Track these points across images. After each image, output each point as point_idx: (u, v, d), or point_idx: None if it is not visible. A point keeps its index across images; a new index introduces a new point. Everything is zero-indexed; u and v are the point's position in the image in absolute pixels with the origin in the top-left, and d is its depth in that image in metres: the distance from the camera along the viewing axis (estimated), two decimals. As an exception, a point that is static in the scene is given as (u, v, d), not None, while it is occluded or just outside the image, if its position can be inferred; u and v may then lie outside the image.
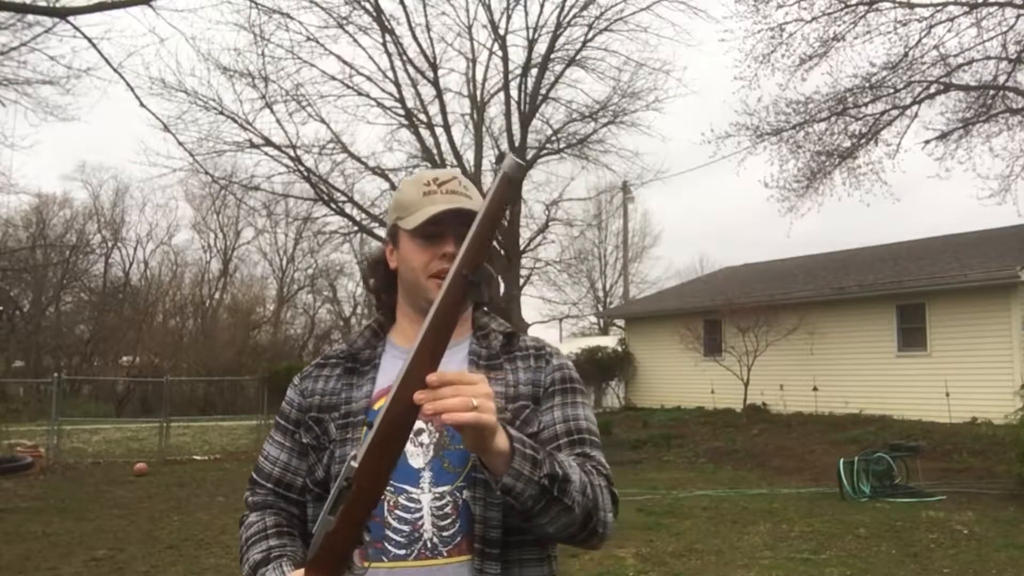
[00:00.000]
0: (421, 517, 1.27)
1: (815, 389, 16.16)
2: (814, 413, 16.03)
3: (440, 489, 1.28)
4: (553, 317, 30.84)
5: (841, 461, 9.79)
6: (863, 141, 15.40)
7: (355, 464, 1.06)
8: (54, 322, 29.64)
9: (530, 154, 16.50)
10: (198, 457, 14.43)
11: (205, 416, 20.25)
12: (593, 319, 35.67)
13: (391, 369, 1.37)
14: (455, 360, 1.38)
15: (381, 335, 1.47)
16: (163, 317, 33.55)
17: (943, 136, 14.83)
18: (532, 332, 17.07)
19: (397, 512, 1.28)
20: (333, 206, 16.14)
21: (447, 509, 1.27)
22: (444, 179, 1.38)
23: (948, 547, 7.00)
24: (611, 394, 22.71)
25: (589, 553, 6.77)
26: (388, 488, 1.25)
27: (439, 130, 16.16)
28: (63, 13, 9.43)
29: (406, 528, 1.27)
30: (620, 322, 25.21)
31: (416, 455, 1.30)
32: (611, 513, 1.28)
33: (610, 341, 23.96)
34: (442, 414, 1.02)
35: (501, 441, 1.11)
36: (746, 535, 7.59)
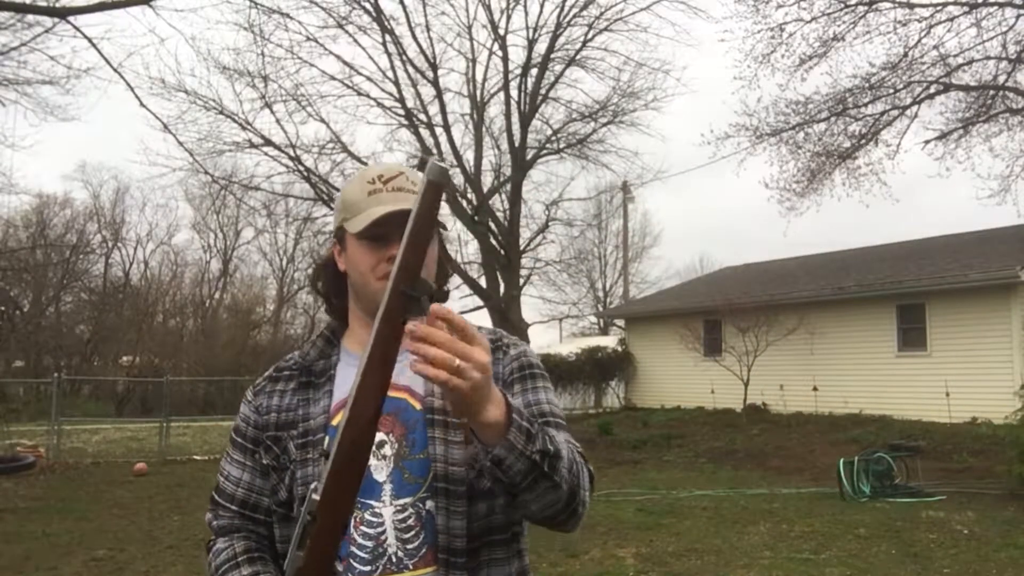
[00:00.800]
0: (384, 531, 1.22)
1: (815, 389, 16.16)
2: (814, 413, 16.03)
3: (402, 501, 1.23)
4: (553, 317, 30.89)
5: (841, 461, 9.79)
6: (863, 141, 15.41)
7: (316, 497, 1.02)
8: (54, 322, 29.65)
9: (530, 154, 16.53)
10: (198, 457, 14.42)
11: (205, 416, 20.25)
12: (593, 319, 35.70)
13: (347, 379, 1.29)
14: (401, 364, 1.33)
15: (335, 342, 1.41)
16: (163, 317, 33.56)
17: (943, 136, 14.84)
18: (532, 332, 17.08)
19: (362, 528, 1.23)
20: (333, 206, 16.12)
21: (410, 521, 1.23)
22: (390, 176, 1.30)
23: (948, 547, 7.00)
24: (611, 394, 22.71)
25: (589, 553, 6.78)
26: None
27: (439, 130, 16.19)
28: (63, 13, 9.45)
29: (370, 544, 1.22)
30: (620, 322, 25.21)
31: (379, 468, 1.25)
32: (588, 492, 1.24)
33: (610, 341, 23.97)
34: (420, 366, 0.97)
35: (495, 411, 1.06)
36: (746, 535, 7.59)
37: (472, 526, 1.22)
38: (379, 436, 1.25)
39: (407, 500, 1.24)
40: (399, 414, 1.28)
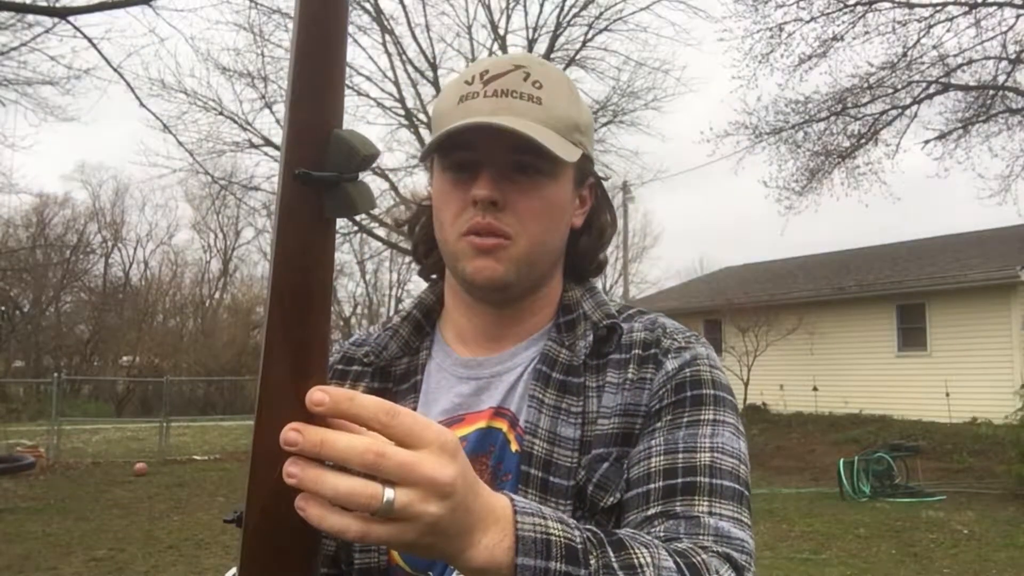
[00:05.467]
0: None
1: (815, 389, 16.16)
2: (814, 413, 16.03)
3: None
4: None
5: (841, 461, 9.79)
6: (862, 141, 15.41)
7: None
8: (54, 322, 29.65)
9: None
10: (198, 457, 14.41)
11: (205, 416, 20.25)
12: (593, 319, 35.67)
13: (442, 389, 0.90)
14: (514, 372, 0.88)
15: (427, 329, 0.95)
16: (163, 317, 33.58)
17: (942, 136, 14.84)
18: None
19: None
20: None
21: None
22: (497, 72, 0.85)
23: (948, 547, 7.01)
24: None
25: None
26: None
27: (439, 130, 16.16)
28: (63, 13, 9.44)
29: None
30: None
31: None
32: None
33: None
34: (312, 509, 0.52)
35: (476, 550, 0.56)
36: (746, 535, 7.59)
37: None
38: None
39: None
40: (492, 453, 0.85)
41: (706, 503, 0.75)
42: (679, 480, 0.76)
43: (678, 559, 0.65)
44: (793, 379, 16.76)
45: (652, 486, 0.77)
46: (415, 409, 0.88)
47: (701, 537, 0.72)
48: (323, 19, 0.54)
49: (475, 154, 0.83)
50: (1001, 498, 9.20)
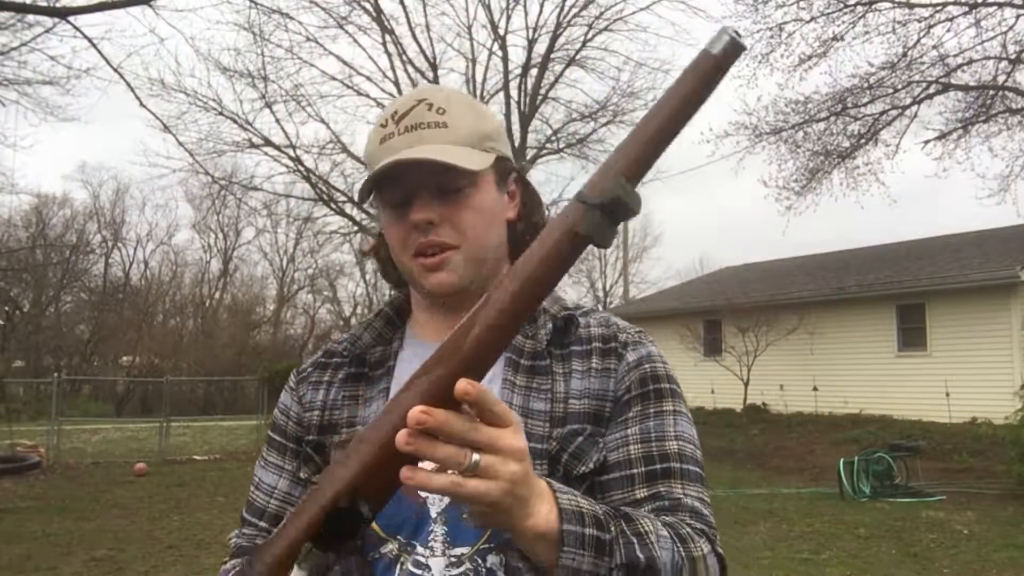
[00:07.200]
0: None
1: (815, 389, 16.16)
2: (814, 413, 16.03)
3: (457, 551, 0.90)
4: (553, 317, 30.76)
5: (841, 461, 9.79)
6: (862, 141, 15.43)
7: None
8: (54, 322, 29.65)
9: (530, 154, 16.54)
10: (198, 457, 14.41)
11: (205, 416, 20.25)
12: (593, 319, 35.64)
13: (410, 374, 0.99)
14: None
15: (397, 324, 1.07)
16: (163, 317, 33.58)
17: (942, 136, 14.86)
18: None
19: None
20: (333, 206, 16.16)
21: None
22: (405, 109, 0.96)
23: (948, 547, 7.01)
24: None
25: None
26: (397, 541, 0.92)
27: (439, 130, 16.16)
28: (63, 13, 9.44)
29: None
30: (620, 322, 25.19)
31: (432, 501, 0.92)
32: None
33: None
34: (420, 476, 0.67)
35: (541, 515, 0.73)
36: (746, 535, 7.58)
37: None
38: None
39: (463, 551, 0.91)
40: None
41: (680, 486, 0.93)
42: (658, 466, 0.93)
43: (669, 529, 0.84)
44: (793, 379, 16.76)
45: (635, 471, 0.93)
46: (388, 391, 1.00)
47: (681, 514, 0.90)
48: (691, 104, 0.68)
49: (403, 187, 0.94)
50: (1001, 498, 9.20)
